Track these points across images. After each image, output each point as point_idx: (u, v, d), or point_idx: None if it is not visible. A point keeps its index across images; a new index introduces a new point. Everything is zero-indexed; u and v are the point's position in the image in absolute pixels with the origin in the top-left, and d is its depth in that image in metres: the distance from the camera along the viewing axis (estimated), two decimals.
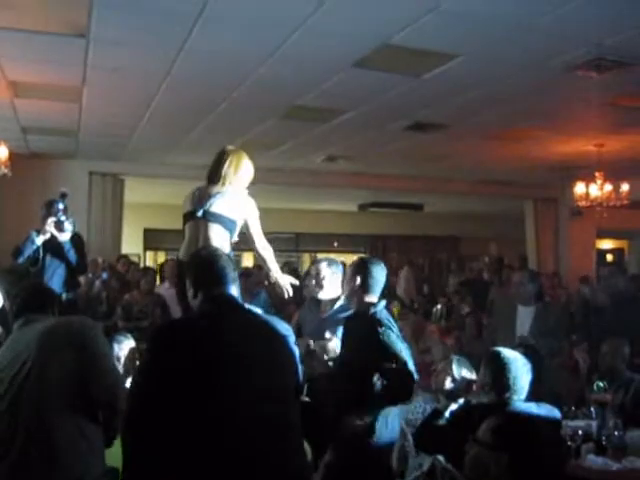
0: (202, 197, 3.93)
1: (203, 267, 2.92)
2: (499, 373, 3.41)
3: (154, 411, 2.62)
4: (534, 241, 12.92)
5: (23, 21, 4.89)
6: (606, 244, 16.03)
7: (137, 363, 4.14)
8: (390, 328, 3.77)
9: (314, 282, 4.54)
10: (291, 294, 4.19)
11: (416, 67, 5.75)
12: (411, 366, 3.67)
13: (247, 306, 3.00)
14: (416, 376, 3.71)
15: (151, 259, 15.56)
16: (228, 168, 3.95)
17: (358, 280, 3.99)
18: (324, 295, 4.53)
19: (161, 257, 15.64)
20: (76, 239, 6.11)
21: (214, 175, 3.99)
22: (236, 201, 3.91)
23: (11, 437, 2.74)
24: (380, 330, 3.74)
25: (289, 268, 11.26)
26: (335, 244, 16.75)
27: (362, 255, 14.56)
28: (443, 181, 11.96)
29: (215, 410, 2.58)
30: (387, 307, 4.08)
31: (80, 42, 5.24)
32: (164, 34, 5.08)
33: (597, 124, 7.88)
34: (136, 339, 4.57)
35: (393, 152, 9.59)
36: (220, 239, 3.78)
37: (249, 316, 2.87)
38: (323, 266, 4.57)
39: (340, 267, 4.64)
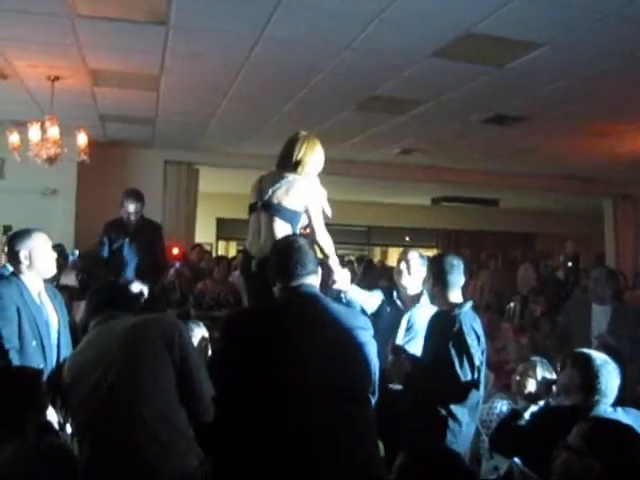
0: (263, 187, 3.82)
1: (281, 258, 2.89)
2: (589, 376, 3.22)
3: (229, 400, 2.59)
4: (613, 240, 12.46)
5: (105, 9, 4.92)
6: None
7: (209, 351, 4.12)
8: (467, 334, 3.65)
9: (404, 267, 4.42)
10: (340, 284, 4.02)
11: (498, 57, 5.55)
12: (461, 386, 3.56)
13: (324, 298, 2.92)
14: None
15: (223, 248, 15.68)
16: (302, 153, 3.81)
17: (436, 277, 3.89)
18: (410, 283, 4.41)
19: (233, 247, 15.76)
20: (158, 232, 6.16)
21: (286, 160, 3.85)
22: (297, 189, 3.74)
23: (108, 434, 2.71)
24: (455, 332, 3.63)
25: (364, 261, 11.21)
26: (407, 238, 16.55)
27: (437, 251, 14.39)
28: (520, 176, 11.62)
29: (282, 402, 2.55)
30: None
31: (160, 29, 5.25)
32: (243, 20, 5.02)
33: None
34: (208, 327, 4.54)
35: (470, 146, 9.37)
36: (281, 231, 3.66)
37: (325, 309, 2.79)
38: (415, 255, 4.47)
39: (426, 263, 4.52)
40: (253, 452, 2.54)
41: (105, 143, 9.66)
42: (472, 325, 3.72)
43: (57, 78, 6.59)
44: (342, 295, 4.16)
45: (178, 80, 6.64)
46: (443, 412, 3.62)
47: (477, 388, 3.71)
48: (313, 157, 3.86)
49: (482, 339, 3.74)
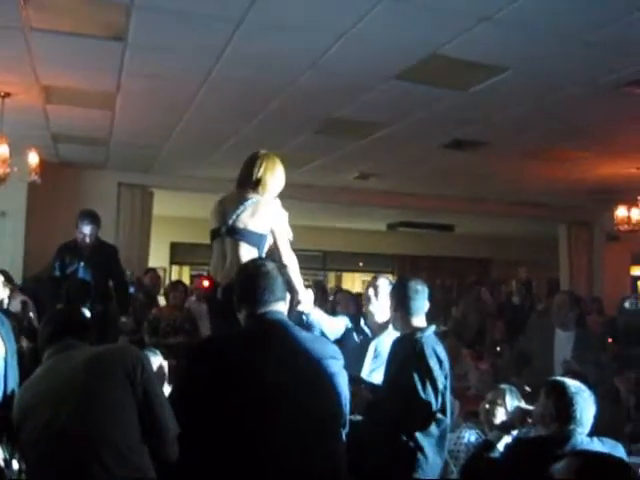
0: (226, 210, 3.67)
1: (247, 283, 2.72)
2: (564, 405, 3.11)
3: (193, 435, 2.44)
4: (567, 265, 12.57)
5: (59, 22, 4.72)
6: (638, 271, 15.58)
7: (166, 381, 3.92)
8: (429, 357, 3.52)
9: (372, 293, 4.32)
10: (306, 308, 3.89)
11: (463, 80, 5.51)
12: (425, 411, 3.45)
13: (294, 326, 2.76)
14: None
15: (177, 273, 15.37)
16: (262, 172, 3.69)
17: (398, 302, 3.81)
18: (378, 310, 4.30)
19: (186, 271, 15.46)
20: (114, 255, 5.92)
21: (246, 179, 3.72)
22: (262, 212, 3.61)
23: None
24: (417, 356, 3.52)
25: (318, 287, 11.07)
26: (361, 264, 16.48)
27: (394, 276, 14.33)
28: (476, 202, 11.67)
29: (249, 436, 2.39)
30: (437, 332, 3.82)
31: (117, 46, 5.06)
32: (204, 39, 4.87)
33: None
34: (164, 355, 4.35)
35: (428, 171, 9.35)
36: (248, 256, 3.51)
37: (294, 337, 2.63)
38: (384, 281, 4.39)
39: None
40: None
41: (57, 164, 9.36)
42: (434, 348, 3.61)
43: (8, 94, 6.34)
44: (303, 317, 4.01)
45: (134, 99, 6.43)
46: (408, 442, 3.49)
47: (444, 414, 3.58)
48: (273, 176, 3.73)
49: (445, 364, 3.63)
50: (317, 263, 16.14)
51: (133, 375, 2.54)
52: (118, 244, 9.67)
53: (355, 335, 4.52)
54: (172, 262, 15.14)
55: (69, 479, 2.45)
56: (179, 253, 14.98)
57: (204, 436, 2.43)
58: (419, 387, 3.46)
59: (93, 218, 5.91)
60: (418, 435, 3.48)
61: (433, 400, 3.49)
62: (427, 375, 3.48)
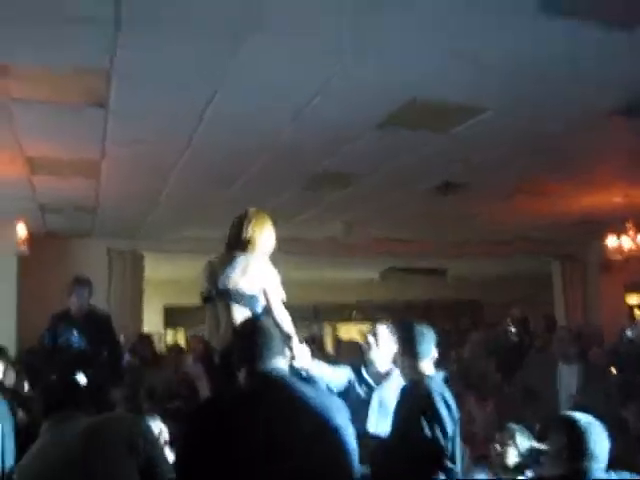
0: (216, 273, 3.63)
1: (245, 341, 2.70)
2: (577, 440, 3.04)
3: None
4: (562, 301, 12.51)
5: (40, 92, 4.73)
6: (633, 299, 15.52)
7: (165, 446, 3.82)
8: (437, 402, 3.45)
9: (372, 341, 4.27)
10: (303, 364, 3.84)
11: (442, 122, 5.52)
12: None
13: (296, 381, 2.70)
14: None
15: (172, 337, 15.20)
16: (251, 231, 3.66)
17: (404, 346, 3.76)
18: (379, 358, 4.25)
19: (182, 334, 15.29)
20: (107, 322, 5.83)
21: (235, 240, 3.69)
22: (253, 270, 3.57)
23: None
24: (427, 404, 3.46)
25: (313, 341, 10.95)
26: (354, 313, 16.36)
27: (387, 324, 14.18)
28: (464, 244, 11.65)
29: None
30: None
31: (99, 113, 5.06)
32: (183, 104, 4.89)
33: (626, 174, 7.61)
34: (163, 420, 4.27)
35: (413, 215, 9.35)
36: (242, 318, 3.45)
37: (295, 392, 2.56)
38: (384, 329, 4.32)
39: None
40: None
41: (44, 234, 9.31)
42: (442, 395, 3.53)
43: None
44: (303, 373, 3.94)
45: (119, 166, 6.44)
46: None
47: (453, 462, 3.49)
48: (263, 235, 3.71)
49: (454, 410, 3.56)
50: (309, 316, 16.03)
51: (135, 444, 2.47)
52: (110, 311, 9.62)
53: (357, 386, 4.45)
54: (167, 325, 15.00)
55: None
56: (173, 316, 14.84)
57: None
58: (428, 434, 3.38)
59: (85, 284, 5.83)
60: None
61: (442, 447, 3.41)
62: (436, 422, 3.40)
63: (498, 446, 3.95)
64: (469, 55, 4.21)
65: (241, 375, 2.65)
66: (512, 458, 3.82)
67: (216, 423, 2.46)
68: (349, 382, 4.38)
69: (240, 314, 3.50)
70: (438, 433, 3.39)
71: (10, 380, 6.37)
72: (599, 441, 3.05)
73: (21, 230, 6.71)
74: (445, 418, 3.43)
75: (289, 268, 13.28)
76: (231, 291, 3.52)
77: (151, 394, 6.91)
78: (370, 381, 4.42)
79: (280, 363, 2.63)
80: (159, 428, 4.05)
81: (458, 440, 3.58)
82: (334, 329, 17.15)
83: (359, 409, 4.38)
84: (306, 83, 4.58)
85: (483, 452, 4.60)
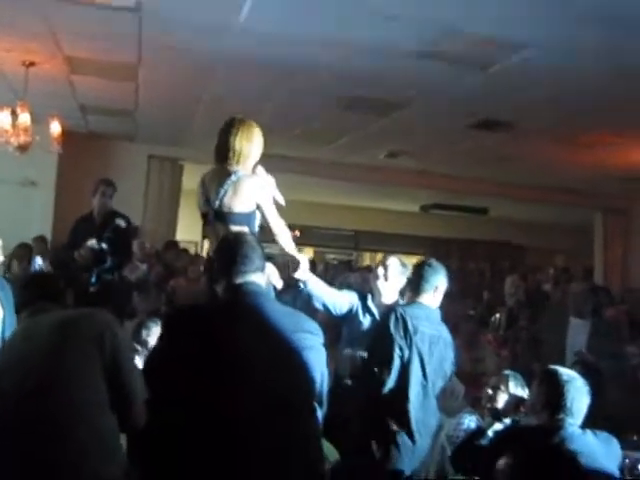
0: (209, 192, 3.57)
1: (225, 254, 2.69)
2: (554, 393, 3.02)
3: (161, 402, 2.43)
4: (602, 254, 12.21)
5: None
6: None
7: None
8: (390, 323, 3.56)
9: (382, 272, 4.25)
10: (298, 273, 3.81)
11: (481, 58, 5.32)
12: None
13: (271, 298, 2.71)
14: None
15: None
16: (238, 143, 3.53)
17: (412, 280, 3.84)
18: (386, 290, 4.24)
19: None
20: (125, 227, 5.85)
21: (223, 152, 3.56)
22: (244, 190, 3.50)
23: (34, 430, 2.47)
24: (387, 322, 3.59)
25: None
26: (392, 245, 16.31)
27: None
28: (509, 186, 11.39)
29: (215, 406, 2.35)
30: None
31: (134, 16, 5.02)
32: (215, 10, 4.79)
33: None
34: None
35: (457, 151, 9.14)
36: None
37: (270, 309, 2.58)
38: (395, 261, 4.29)
39: (408, 272, 4.29)
40: (184, 462, 2.34)
41: (87, 135, 9.43)
42: (405, 318, 3.57)
43: (32, 64, 6.35)
44: (300, 285, 3.94)
45: (156, 71, 6.43)
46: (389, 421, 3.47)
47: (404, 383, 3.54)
48: (250, 145, 3.58)
49: (416, 336, 3.57)
50: (349, 242, 16.04)
51: (101, 340, 2.51)
52: (145, 217, 9.80)
53: (361, 313, 4.46)
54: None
55: (37, 444, 2.43)
56: None
57: (173, 403, 2.40)
58: (369, 354, 3.59)
59: (108, 185, 5.86)
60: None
61: (385, 373, 3.50)
62: (387, 342, 3.51)
63: (490, 390, 3.92)
64: None
65: (219, 288, 2.66)
66: (501, 403, 3.80)
67: (186, 330, 2.50)
68: (351, 308, 4.39)
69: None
70: (379, 355, 3.53)
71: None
72: (577, 397, 3.01)
73: (55, 128, 6.74)
74: (394, 339, 3.51)
75: (329, 193, 13.38)
76: (225, 213, 3.49)
77: (171, 300, 7.06)
78: (374, 311, 4.44)
79: (258, 278, 2.62)
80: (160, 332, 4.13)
81: (415, 369, 3.57)
82: (373, 258, 17.15)
83: (360, 336, 4.44)
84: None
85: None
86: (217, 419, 2.35)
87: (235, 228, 3.45)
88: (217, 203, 3.50)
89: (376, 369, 3.47)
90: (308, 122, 7.89)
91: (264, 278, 2.70)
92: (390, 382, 3.45)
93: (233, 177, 3.50)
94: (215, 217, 3.53)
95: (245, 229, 3.46)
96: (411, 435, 3.46)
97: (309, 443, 2.48)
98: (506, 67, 5.40)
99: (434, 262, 3.93)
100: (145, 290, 7.23)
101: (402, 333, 3.48)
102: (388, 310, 3.71)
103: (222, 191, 3.49)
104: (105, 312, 2.70)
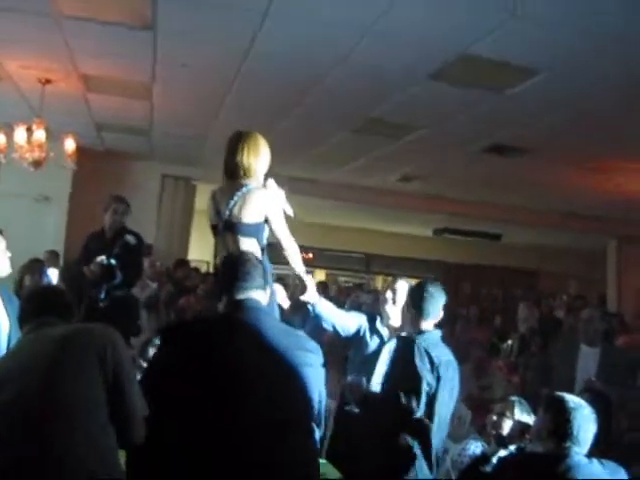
0: (219, 205, 3.58)
1: (228, 271, 2.73)
2: (561, 420, 2.94)
3: (159, 411, 2.42)
4: (615, 282, 12.11)
5: (90, 10, 4.75)
6: None
7: None
8: (416, 357, 3.43)
9: (390, 296, 4.22)
10: (306, 295, 3.80)
11: (496, 82, 5.34)
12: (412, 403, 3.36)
13: (272, 316, 2.70)
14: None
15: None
16: (246, 158, 3.53)
17: (412, 303, 3.73)
18: (394, 313, 4.20)
19: None
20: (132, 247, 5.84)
21: (231, 167, 3.56)
22: (253, 201, 3.49)
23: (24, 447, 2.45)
24: (411, 355, 3.45)
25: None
26: (403, 269, 16.25)
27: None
28: (522, 211, 11.34)
29: (210, 421, 2.34)
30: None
31: (148, 35, 5.07)
32: (231, 30, 4.85)
33: None
34: None
35: (471, 176, 9.15)
36: (248, 248, 3.41)
37: (269, 326, 2.58)
38: (403, 285, 4.24)
39: None
40: (180, 477, 2.34)
41: (102, 152, 9.50)
42: (427, 350, 3.49)
43: (49, 81, 6.42)
44: (309, 308, 3.92)
45: (171, 89, 6.47)
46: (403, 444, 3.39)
47: (430, 420, 3.45)
48: (258, 158, 3.57)
49: (441, 368, 3.48)
50: (360, 265, 16.00)
51: (103, 354, 2.50)
52: (158, 236, 9.82)
53: (368, 335, 4.44)
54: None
55: (35, 455, 2.40)
56: None
57: (170, 416, 2.40)
58: (402, 388, 3.39)
59: (120, 202, 5.86)
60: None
61: (414, 403, 3.38)
62: (412, 375, 3.40)
63: (495, 416, 3.86)
64: (523, 12, 4.02)
65: (221, 305, 2.67)
66: (506, 430, 3.73)
67: (184, 344, 2.51)
68: (359, 329, 4.37)
69: (247, 244, 3.47)
70: (412, 389, 3.37)
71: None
72: (584, 425, 2.94)
73: (69, 145, 6.80)
74: (422, 373, 3.40)
75: (341, 215, 13.32)
76: (234, 223, 3.49)
77: (180, 317, 7.05)
78: (383, 333, 4.40)
79: (259, 296, 2.63)
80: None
81: (441, 398, 3.50)
82: (384, 281, 17.11)
83: (368, 359, 4.39)
84: (353, 20, 4.46)
85: None
86: (214, 433, 2.34)
87: (244, 239, 3.46)
88: (227, 213, 3.50)
89: (404, 400, 3.38)
90: (322, 144, 7.90)
91: (265, 296, 2.70)
92: (419, 412, 3.39)
93: (244, 189, 3.51)
94: (224, 227, 3.53)
95: (253, 241, 3.47)
96: (430, 462, 3.40)
97: (307, 459, 2.46)
98: (521, 91, 5.39)
99: (437, 284, 3.89)
100: (154, 309, 7.25)
101: (429, 367, 3.42)
102: (405, 342, 3.60)
103: (232, 202, 3.49)
104: (108, 327, 2.68)
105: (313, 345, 2.62)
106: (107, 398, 2.50)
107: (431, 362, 3.42)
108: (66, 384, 2.48)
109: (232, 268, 2.67)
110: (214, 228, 3.65)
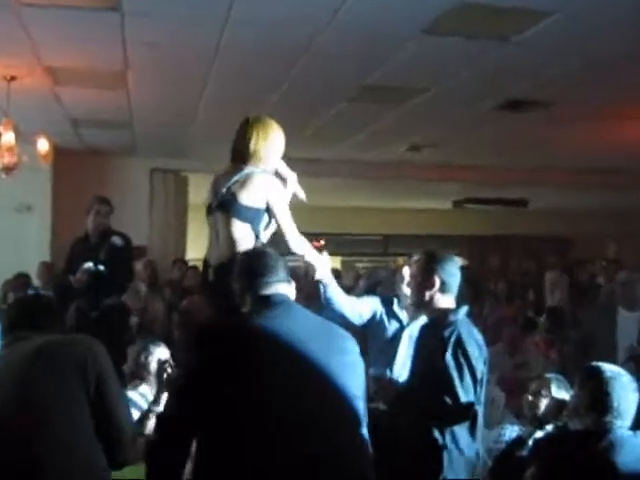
0: (218, 184, 3.57)
1: (248, 266, 2.71)
2: (599, 392, 2.91)
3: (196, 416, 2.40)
4: None
5: None
6: None
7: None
8: (467, 343, 3.33)
9: (408, 272, 4.12)
10: (322, 275, 3.76)
11: (501, 29, 5.23)
12: (463, 403, 3.24)
13: (301, 309, 2.68)
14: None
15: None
16: (254, 142, 3.53)
17: (436, 280, 3.52)
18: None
19: None
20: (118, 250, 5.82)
21: (238, 152, 3.59)
22: (256, 183, 3.48)
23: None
24: (453, 342, 3.32)
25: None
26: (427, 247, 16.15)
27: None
28: (547, 171, 11.23)
29: (255, 424, 2.34)
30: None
31: (114, 16, 5.00)
32: (202, 4, 4.77)
33: None
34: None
35: (485, 138, 9.04)
36: (241, 233, 3.43)
37: (306, 320, 2.60)
38: None
39: None
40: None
41: (82, 151, 9.49)
42: (470, 332, 3.41)
43: (13, 78, 6.40)
44: (321, 287, 3.87)
45: (146, 74, 6.42)
46: (439, 436, 3.32)
47: (479, 404, 3.40)
48: (267, 144, 3.57)
49: (484, 349, 3.43)
50: (378, 248, 15.94)
51: (84, 365, 2.49)
52: (152, 234, 9.82)
53: (386, 320, 4.40)
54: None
55: (12, 473, 2.40)
56: None
57: (208, 419, 2.38)
58: (456, 378, 3.25)
59: (103, 203, 5.86)
60: (455, 430, 3.31)
61: (471, 390, 3.30)
62: (467, 363, 3.28)
63: (530, 396, 3.81)
64: None
65: (247, 302, 2.65)
66: (543, 409, 3.69)
67: (222, 345, 2.49)
68: (374, 314, 4.34)
69: (240, 228, 3.44)
70: (468, 378, 3.25)
71: None
72: (624, 395, 2.90)
73: (42, 145, 6.78)
74: (475, 360, 3.29)
75: (353, 195, 13.22)
76: (231, 202, 3.46)
77: (186, 322, 7.03)
78: (401, 316, 4.37)
79: (286, 290, 2.64)
80: (161, 356, 4.12)
81: (485, 383, 3.47)
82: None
83: (387, 346, 4.37)
84: None
85: None
86: (274, 429, 2.35)
87: (237, 222, 3.44)
88: (224, 191, 3.48)
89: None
90: (318, 117, 7.83)
91: (292, 289, 2.69)
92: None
93: (246, 170, 3.51)
94: (218, 205, 3.50)
95: (247, 227, 3.45)
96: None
97: (362, 452, 2.47)
98: (529, 37, 5.28)
99: (457, 258, 3.82)
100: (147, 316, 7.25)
101: (483, 361, 3.37)
102: (443, 325, 3.45)
103: (232, 180, 3.49)
104: (89, 338, 2.69)
105: (347, 333, 2.64)
106: (91, 411, 2.49)
107: (479, 347, 3.35)
108: (45, 398, 2.48)
109: (256, 262, 2.67)
110: (208, 209, 3.63)
